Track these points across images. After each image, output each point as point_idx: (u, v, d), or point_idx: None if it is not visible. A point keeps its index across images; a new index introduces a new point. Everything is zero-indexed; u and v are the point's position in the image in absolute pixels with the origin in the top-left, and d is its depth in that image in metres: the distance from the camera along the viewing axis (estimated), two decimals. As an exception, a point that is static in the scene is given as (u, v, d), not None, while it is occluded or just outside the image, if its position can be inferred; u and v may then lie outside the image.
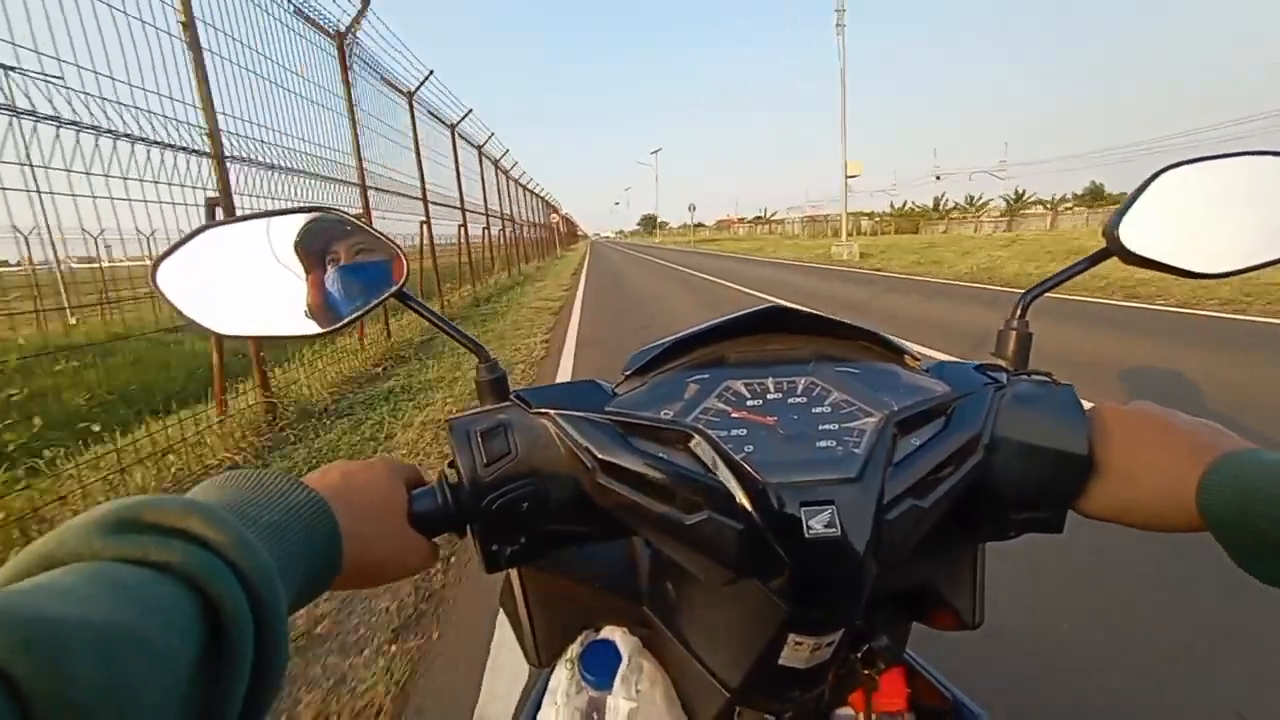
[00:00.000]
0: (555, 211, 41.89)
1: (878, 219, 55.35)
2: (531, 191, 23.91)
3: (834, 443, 0.44)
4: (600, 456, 0.43)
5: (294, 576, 0.31)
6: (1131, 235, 0.48)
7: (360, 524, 0.38)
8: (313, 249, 0.47)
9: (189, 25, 3.45)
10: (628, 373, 0.52)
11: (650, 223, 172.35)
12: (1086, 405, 0.45)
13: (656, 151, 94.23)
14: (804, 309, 0.53)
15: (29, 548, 0.24)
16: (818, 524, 0.37)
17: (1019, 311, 0.53)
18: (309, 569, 0.33)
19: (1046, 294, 0.53)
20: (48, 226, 2.97)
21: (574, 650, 0.57)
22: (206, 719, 0.22)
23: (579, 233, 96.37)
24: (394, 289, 0.48)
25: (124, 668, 0.19)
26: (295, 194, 4.70)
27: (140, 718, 0.19)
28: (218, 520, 0.26)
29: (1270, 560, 0.34)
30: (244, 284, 0.45)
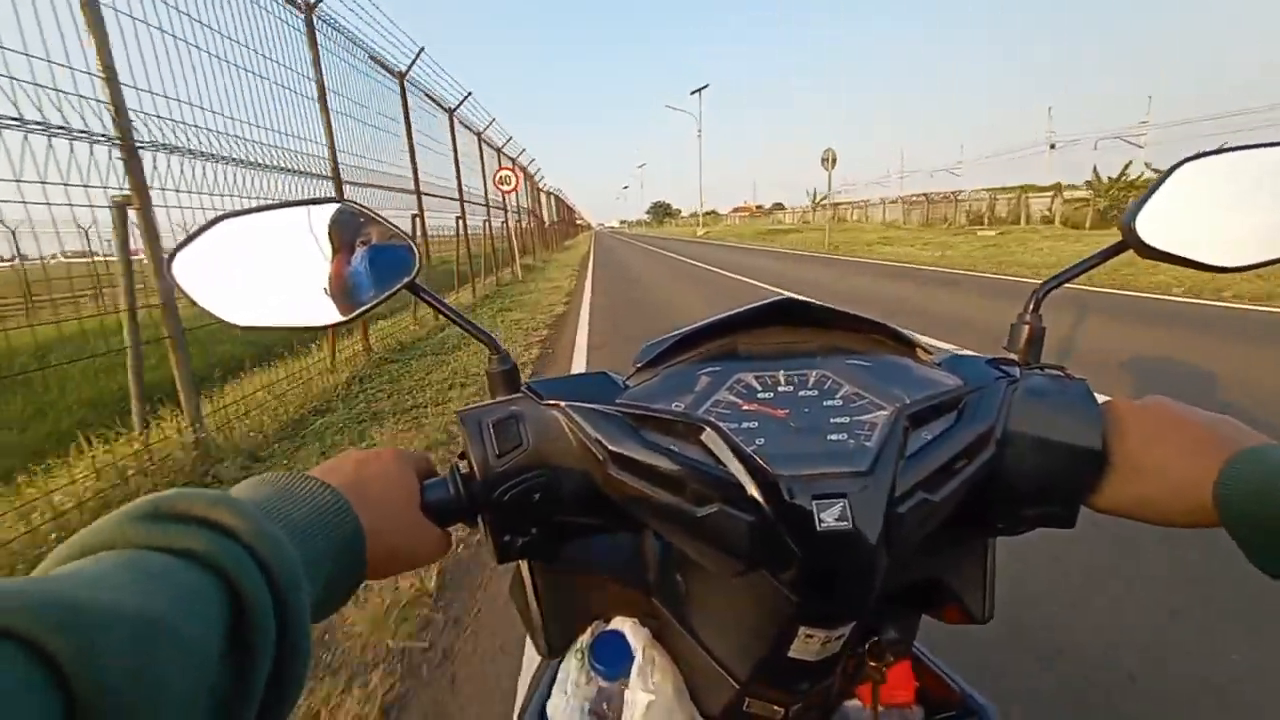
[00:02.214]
0: (516, 170, 14.43)
1: (1082, 200, 25.49)
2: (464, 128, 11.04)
3: (845, 436, 0.43)
4: (611, 448, 0.43)
5: (321, 576, 0.32)
6: (1149, 228, 0.47)
7: (378, 519, 0.38)
8: (326, 240, 0.47)
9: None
10: (639, 365, 0.52)
11: (661, 210, 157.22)
12: (1100, 400, 0.44)
13: (701, 89, 60.60)
14: (816, 301, 0.53)
15: (71, 539, 0.25)
16: (829, 517, 0.37)
17: (1032, 306, 0.53)
18: (336, 569, 0.33)
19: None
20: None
21: (584, 641, 0.57)
22: (230, 708, 0.23)
23: (579, 221, 78.37)
24: (406, 280, 0.48)
25: (154, 654, 0.20)
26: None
27: (169, 703, 0.20)
28: (244, 513, 0.27)
29: None
30: (258, 274, 0.46)
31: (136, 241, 3.07)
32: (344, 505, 0.35)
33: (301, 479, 0.35)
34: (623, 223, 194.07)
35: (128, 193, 3.01)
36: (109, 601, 0.20)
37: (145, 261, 3.15)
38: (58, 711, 0.17)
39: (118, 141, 2.95)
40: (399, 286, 0.48)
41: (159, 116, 3.28)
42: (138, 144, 3.06)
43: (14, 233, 3.30)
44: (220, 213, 0.45)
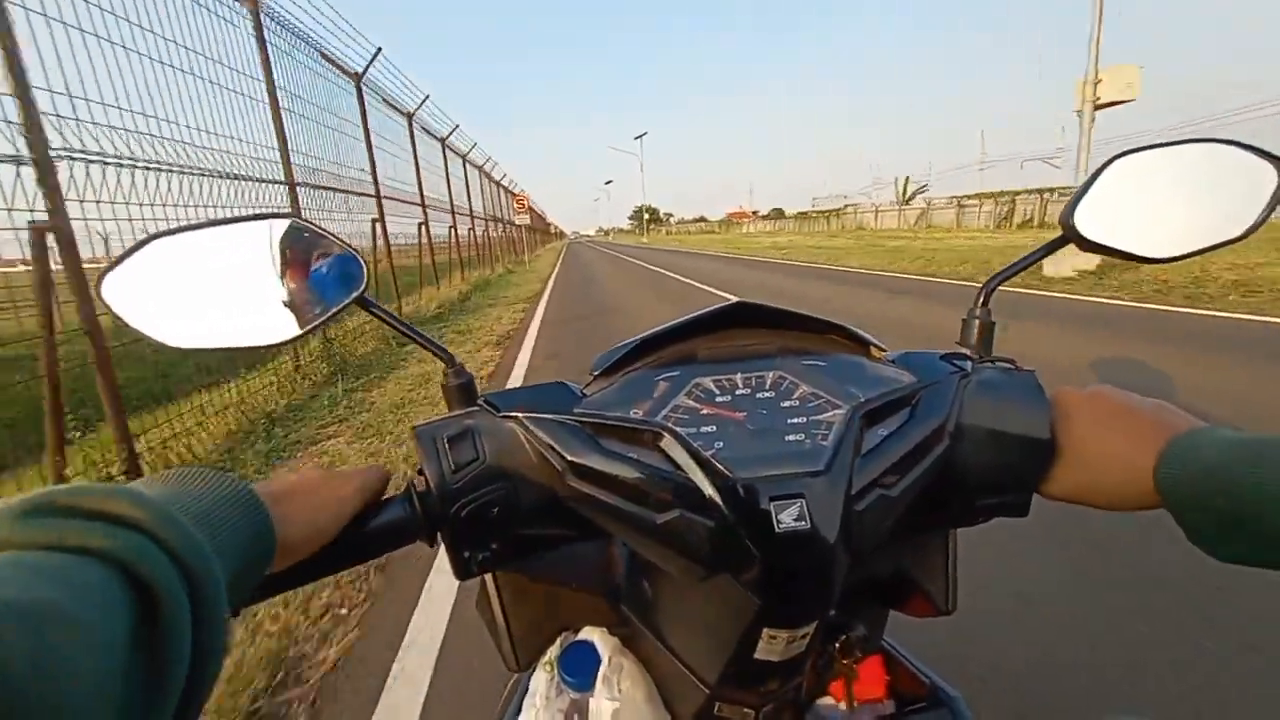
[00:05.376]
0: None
1: None
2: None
3: (802, 436, 0.44)
4: (569, 458, 0.43)
5: (231, 564, 0.31)
6: (1086, 222, 0.49)
7: (291, 520, 0.38)
8: (269, 256, 0.46)
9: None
10: (596, 373, 0.52)
11: (648, 215, 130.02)
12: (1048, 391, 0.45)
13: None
14: (770, 304, 0.54)
15: None
16: (787, 517, 0.38)
17: (981, 300, 0.54)
18: (243, 563, 0.33)
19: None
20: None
21: (553, 652, 0.57)
22: (147, 696, 0.22)
23: (516, 218, 50.83)
24: (355, 295, 0.47)
25: (53, 644, 0.19)
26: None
27: (75, 693, 0.19)
28: (143, 502, 0.26)
29: (1224, 537, 0.35)
30: (198, 294, 0.44)
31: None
32: (249, 494, 0.34)
33: (204, 470, 0.34)
34: (599, 230, 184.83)
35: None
36: None
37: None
38: None
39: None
40: (348, 301, 0.47)
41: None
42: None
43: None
44: (152, 232, 0.43)
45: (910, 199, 48.62)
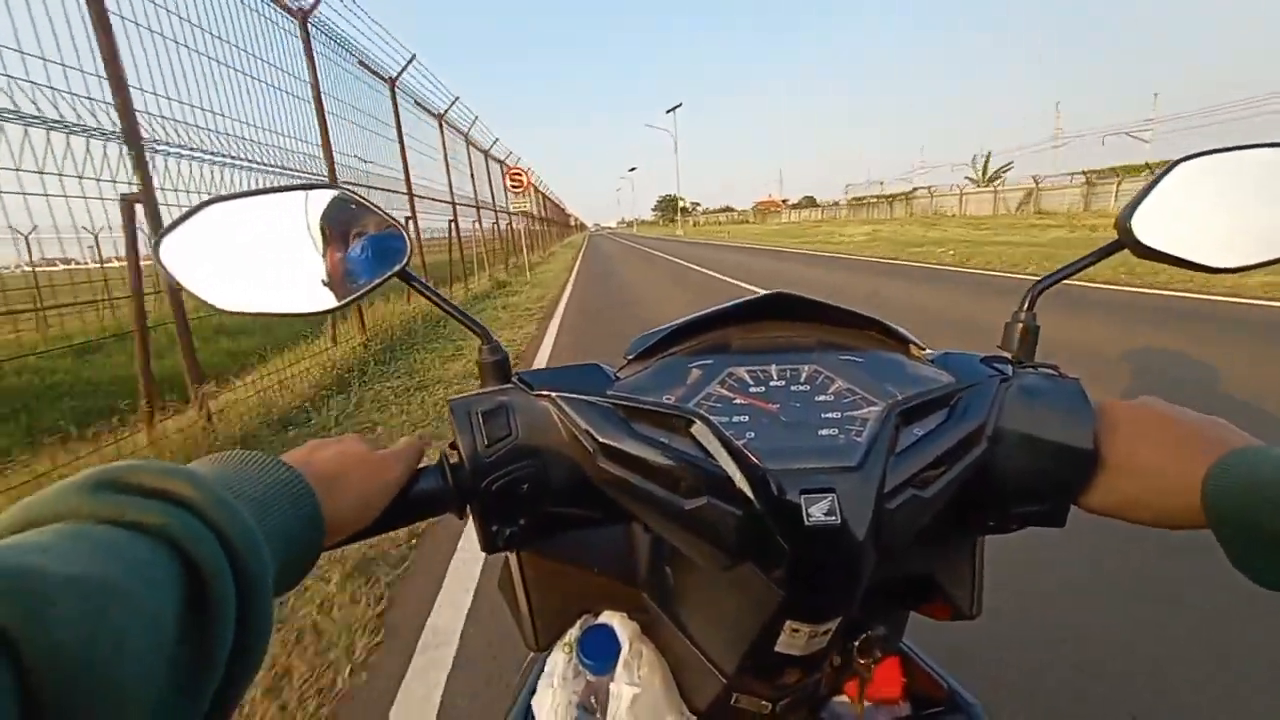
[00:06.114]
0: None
1: None
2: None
3: (836, 431, 0.43)
4: (601, 440, 0.43)
5: (279, 549, 0.31)
6: (1144, 228, 0.47)
7: (337, 499, 0.39)
8: (317, 226, 0.47)
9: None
10: (630, 356, 0.52)
11: (670, 205, 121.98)
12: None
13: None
14: (808, 295, 0.53)
15: (11, 509, 0.24)
16: (817, 512, 0.37)
17: (1027, 304, 0.52)
18: (292, 545, 0.33)
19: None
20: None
21: (572, 634, 0.57)
22: (192, 676, 0.23)
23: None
24: (397, 268, 0.48)
25: (109, 619, 0.19)
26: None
27: (126, 668, 0.19)
28: (197, 483, 0.26)
29: (1272, 560, 0.34)
30: (247, 259, 0.45)
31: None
32: (300, 481, 0.35)
33: (258, 456, 0.35)
34: (621, 222, 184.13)
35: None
36: (57, 569, 0.19)
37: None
38: (7, 681, 0.17)
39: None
40: (390, 274, 0.48)
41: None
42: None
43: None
44: (209, 197, 0.44)
45: (991, 180, 41.59)
